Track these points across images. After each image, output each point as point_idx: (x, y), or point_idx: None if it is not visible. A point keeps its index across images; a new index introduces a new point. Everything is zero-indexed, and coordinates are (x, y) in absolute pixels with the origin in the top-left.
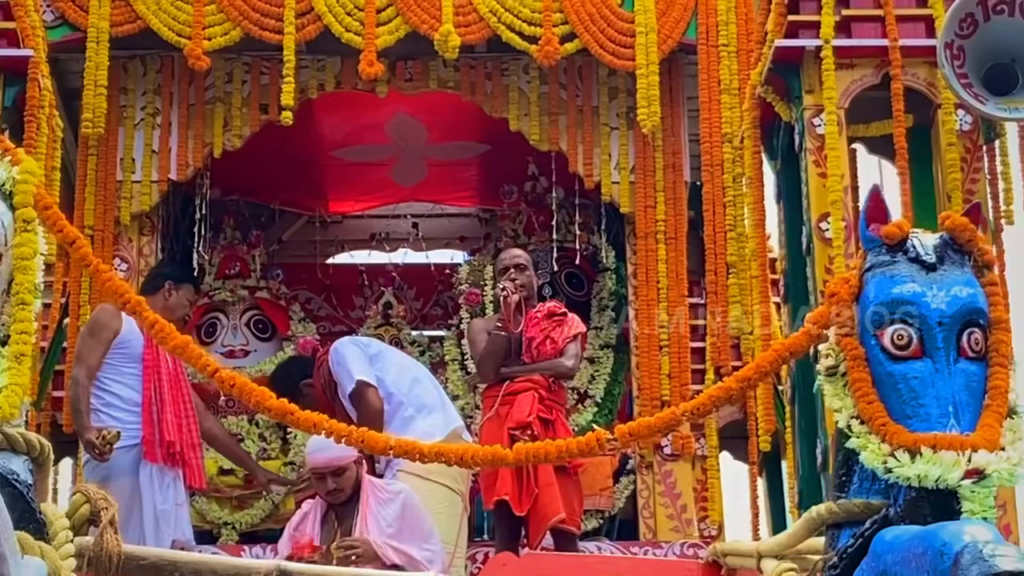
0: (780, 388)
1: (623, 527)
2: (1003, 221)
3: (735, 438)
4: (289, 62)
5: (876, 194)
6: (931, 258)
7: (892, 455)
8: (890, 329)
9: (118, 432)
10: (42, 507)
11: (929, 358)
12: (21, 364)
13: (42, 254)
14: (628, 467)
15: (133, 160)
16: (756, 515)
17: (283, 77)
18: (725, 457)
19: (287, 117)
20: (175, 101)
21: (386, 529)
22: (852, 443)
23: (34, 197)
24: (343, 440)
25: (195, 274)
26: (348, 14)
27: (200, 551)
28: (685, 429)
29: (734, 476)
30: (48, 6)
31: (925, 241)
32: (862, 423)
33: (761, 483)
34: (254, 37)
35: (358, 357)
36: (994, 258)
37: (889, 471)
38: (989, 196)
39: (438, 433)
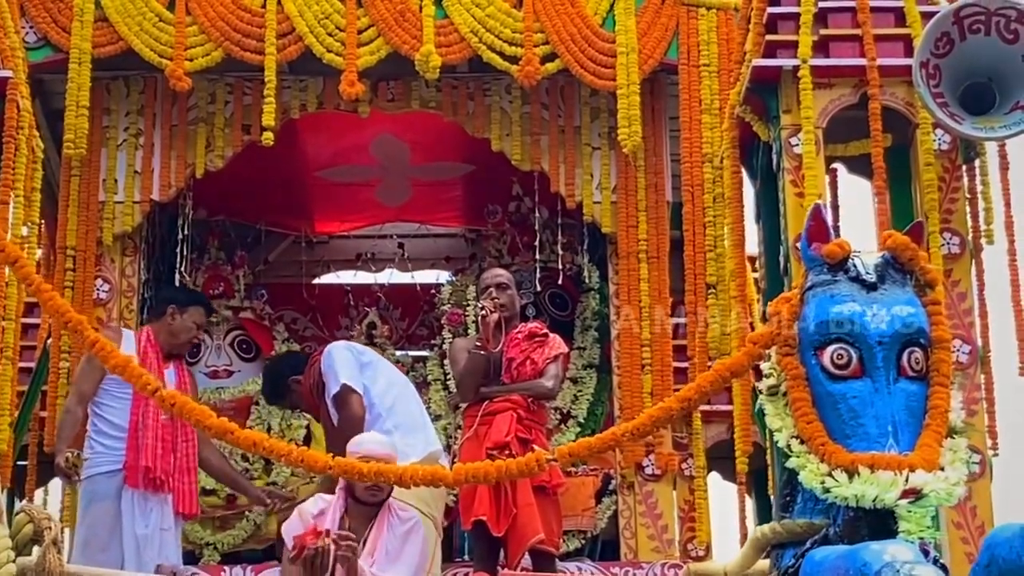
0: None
1: (605, 548)
2: (983, 241)
3: (723, 458)
4: (270, 83)
5: (818, 213)
6: (872, 277)
7: (830, 475)
8: (830, 348)
9: (79, 453)
10: None
11: (869, 378)
12: None
13: None
14: (611, 487)
15: (116, 181)
16: (745, 535)
17: (265, 98)
18: (715, 477)
19: (268, 138)
20: (157, 122)
21: (388, 551)
22: (792, 463)
23: None
24: (282, 459)
25: (205, 297)
26: (329, 35)
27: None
28: (667, 448)
29: (725, 495)
30: (31, 27)
31: (866, 260)
32: (802, 443)
33: (751, 502)
34: (236, 58)
35: (348, 362)
36: (937, 277)
37: (827, 491)
38: (968, 216)
39: (414, 454)
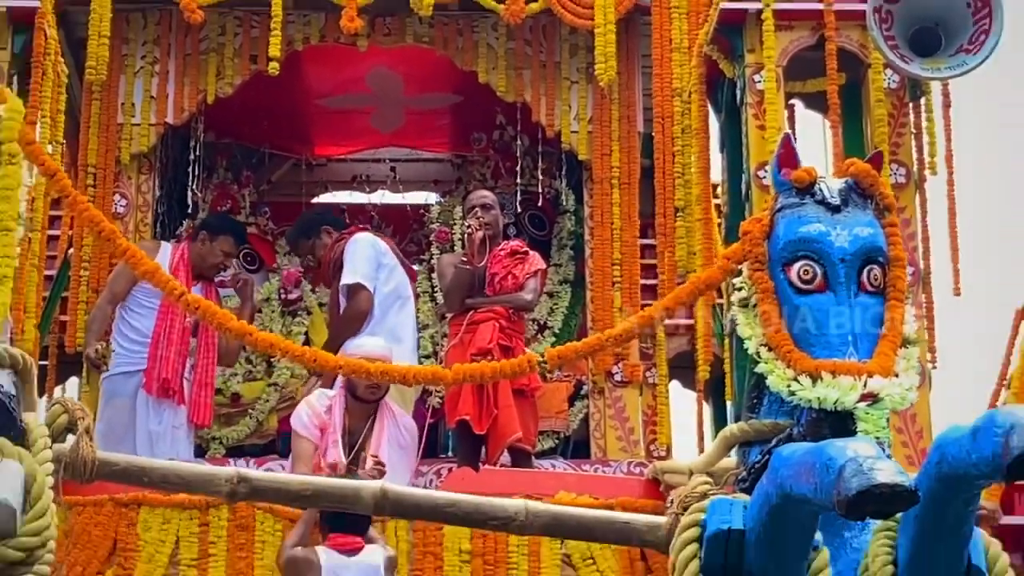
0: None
1: (577, 447)
2: (927, 172)
3: (684, 368)
4: (276, 17)
5: (787, 141)
6: (836, 200)
7: (795, 379)
8: (797, 265)
9: (107, 344)
10: (24, 416)
11: (832, 292)
12: (3, 285)
13: (26, 185)
14: (582, 392)
15: (133, 105)
16: (701, 438)
17: (271, 30)
18: (675, 385)
19: (274, 68)
20: (172, 51)
21: (395, 464)
22: (760, 368)
23: (18, 133)
24: (296, 360)
25: (238, 227)
26: None
27: None
28: (634, 358)
29: (684, 402)
30: None
31: (831, 185)
32: (770, 350)
33: (708, 409)
34: None
35: (368, 259)
36: (894, 201)
37: (792, 394)
38: (914, 149)
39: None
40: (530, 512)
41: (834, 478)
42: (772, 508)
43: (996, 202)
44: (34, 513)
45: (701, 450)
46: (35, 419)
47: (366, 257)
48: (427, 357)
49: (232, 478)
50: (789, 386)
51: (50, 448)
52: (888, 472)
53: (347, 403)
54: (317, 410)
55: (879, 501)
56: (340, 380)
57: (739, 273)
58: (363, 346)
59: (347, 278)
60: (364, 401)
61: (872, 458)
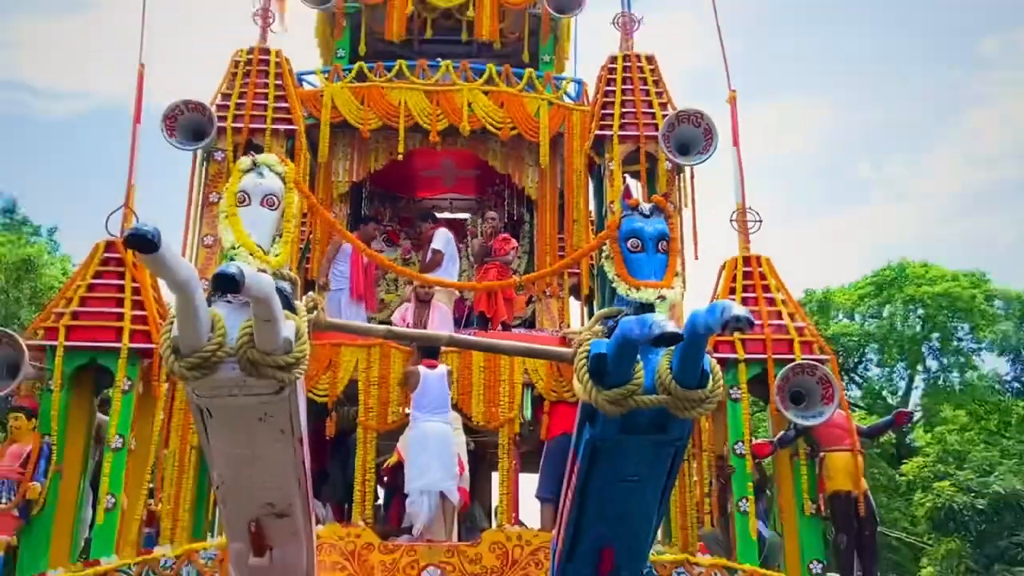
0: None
1: (530, 324)
2: (683, 205)
3: (577, 289)
4: (400, 135)
5: (628, 187)
6: (648, 213)
7: (629, 289)
8: (630, 240)
9: (327, 281)
10: (295, 303)
11: (646, 253)
12: (287, 245)
13: (297, 203)
14: (532, 300)
15: (338, 172)
16: (583, 318)
17: (399, 140)
18: (572, 299)
19: (400, 156)
20: (355, 149)
21: (438, 323)
22: (613, 285)
23: (292, 177)
24: (415, 279)
25: (376, 219)
26: (426, 116)
27: None
28: (554, 286)
29: (574, 305)
30: (305, 109)
31: (645, 206)
32: (619, 277)
33: (587, 310)
34: (387, 124)
35: (445, 240)
36: (673, 213)
37: (627, 295)
38: (679, 197)
39: (443, 293)
40: (512, 346)
41: (647, 329)
42: (619, 344)
43: (715, 216)
44: (299, 343)
45: (583, 324)
46: (300, 303)
47: (444, 240)
48: None
49: (383, 330)
50: (627, 293)
51: (307, 315)
52: (671, 326)
53: (415, 304)
54: (401, 311)
55: (667, 339)
56: (412, 294)
57: (605, 245)
58: (429, 277)
59: (434, 246)
60: (422, 301)
61: (664, 320)
